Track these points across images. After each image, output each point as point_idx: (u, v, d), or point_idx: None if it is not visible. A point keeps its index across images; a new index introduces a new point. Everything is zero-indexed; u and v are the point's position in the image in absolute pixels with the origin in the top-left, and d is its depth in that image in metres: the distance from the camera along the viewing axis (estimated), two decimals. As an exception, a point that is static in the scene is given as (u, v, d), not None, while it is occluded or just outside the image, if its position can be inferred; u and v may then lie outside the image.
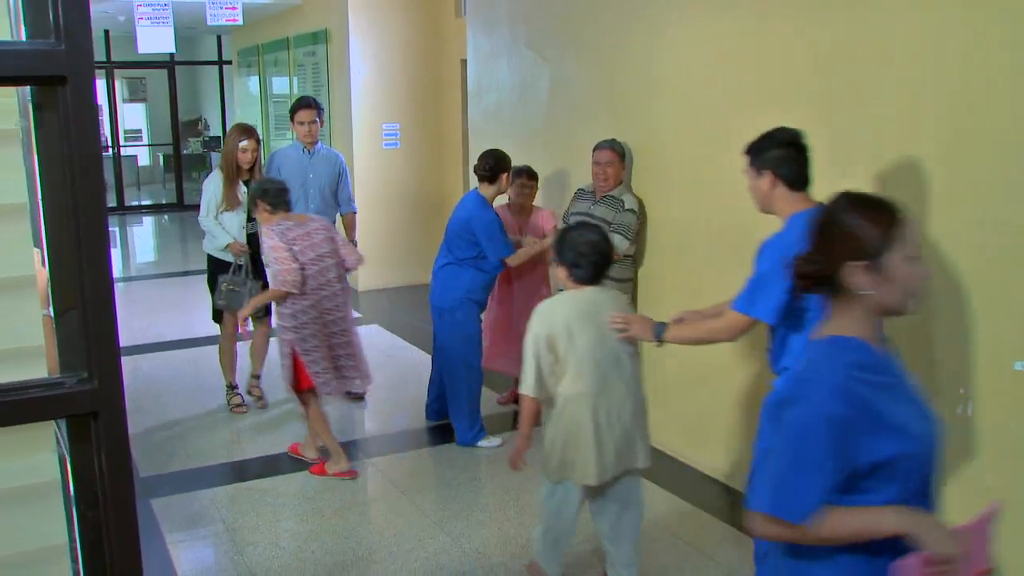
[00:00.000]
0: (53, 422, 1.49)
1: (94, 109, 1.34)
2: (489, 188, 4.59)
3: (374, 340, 6.69)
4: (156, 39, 8.03)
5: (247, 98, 12.44)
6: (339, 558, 3.65)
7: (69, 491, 1.55)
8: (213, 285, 5.26)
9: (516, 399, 5.22)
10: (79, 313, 1.40)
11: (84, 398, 1.41)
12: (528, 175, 4.93)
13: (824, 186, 3.54)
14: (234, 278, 5.10)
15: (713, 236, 4.36)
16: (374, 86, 8.69)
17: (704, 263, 4.44)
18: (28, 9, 1.34)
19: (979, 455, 3.27)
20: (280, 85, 10.82)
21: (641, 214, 4.61)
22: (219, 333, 5.52)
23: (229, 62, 14.12)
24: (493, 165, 4.56)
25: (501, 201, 4.93)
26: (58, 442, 1.62)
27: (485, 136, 6.34)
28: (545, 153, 5.62)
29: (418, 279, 8.53)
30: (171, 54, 13.83)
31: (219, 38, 15.32)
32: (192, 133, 18.28)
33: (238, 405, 5.39)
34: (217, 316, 5.40)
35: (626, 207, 4.51)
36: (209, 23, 8.58)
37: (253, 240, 5.10)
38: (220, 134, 15.85)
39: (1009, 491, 3.17)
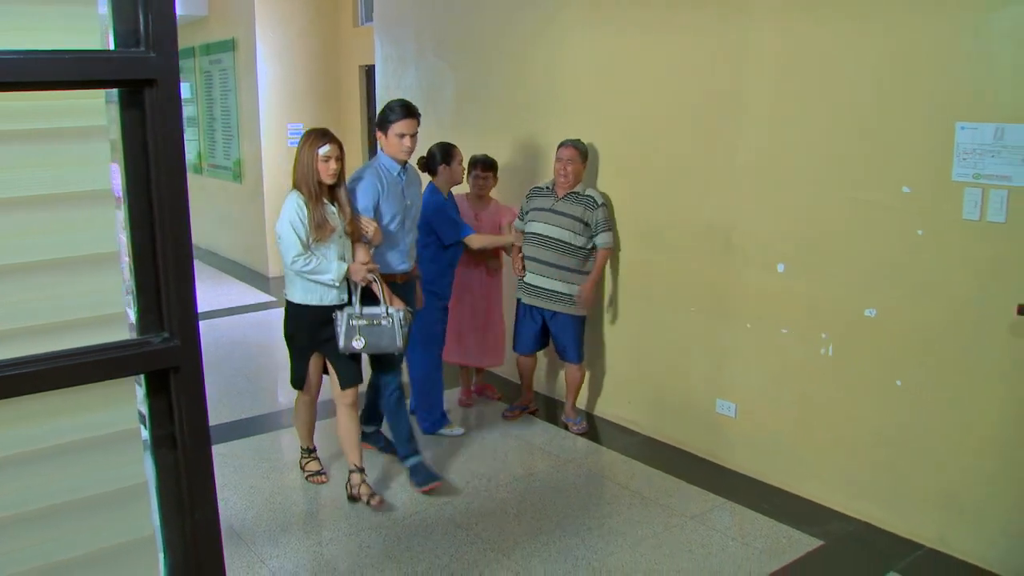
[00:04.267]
0: (135, 377, 1.70)
1: (179, 106, 1.57)
2: (437, 179, 4.71)
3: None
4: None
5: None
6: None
7: (147, 437, 1.76)
8: (311, 339, 3.95)
9: (482, 392, 5.47)
10: (163, 280, 1.63)
11: (168, 354, 1.64)
12: (484, 166, 4.98)
13: (704, 176, 4.08)
14: (366, 309, 3.83)
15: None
16: (279, 89, 9.17)
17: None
18: (117, 20, 1.56)
19: (840, 387, 3.89)
20: (184, 91, 10.99)
21: (610, 206, 4.85)
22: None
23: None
24: (427, 160, 4.72)
25: (464, 191, 5.12)
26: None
27: None
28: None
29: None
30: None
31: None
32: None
33: (317, 473, 4.30)
34: (300, 381, 4.09)
35: (599, 203, 4.69)
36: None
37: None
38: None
39: (863, 414, 3.83)
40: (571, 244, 4.66)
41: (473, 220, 4.98)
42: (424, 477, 4.14)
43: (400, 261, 4.22)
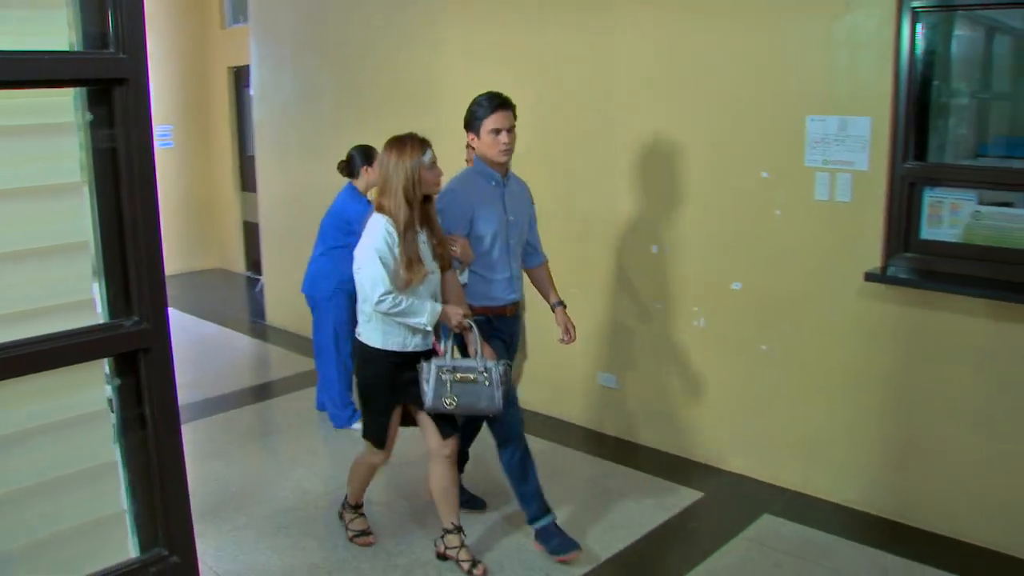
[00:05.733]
0: (104, 360, 1.80)
1: (148, 102, 1.68)
2: (357, 182, 4.74)
3: (175, 321, 6.90)
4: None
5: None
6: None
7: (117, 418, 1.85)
8: (394, 390, 3.30)
9: None
10: (134, 267, 1.74)
11: (139, 336, 1.75)
12: None
13: (581, 166, 4.42)
14: (459, 362, 3.22)
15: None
16: (147, 90, 8.96)
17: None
18: (85, 23, 1.65)
19: (711, 355, 4.29)
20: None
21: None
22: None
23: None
24: (347, 162, 4.76)
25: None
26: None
27: (271, 136, 6.82)
28: (332, 151, 6.04)
29: (189, 267, 9.24)
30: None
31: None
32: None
33: (363, 534, 3.64)
34: (380, 439, 3.38)
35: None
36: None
37: None
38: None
39: (733, 377, 4.23)
40: None
41: None
42: (560, 544, 3.46)
43: (506, 290, 3.52)
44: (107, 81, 1.65)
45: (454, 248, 3.33)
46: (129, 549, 1.90)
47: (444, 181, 3.34)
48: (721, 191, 4.11)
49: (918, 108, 3.53)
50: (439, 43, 5.35)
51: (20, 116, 1.63)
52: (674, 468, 4.31)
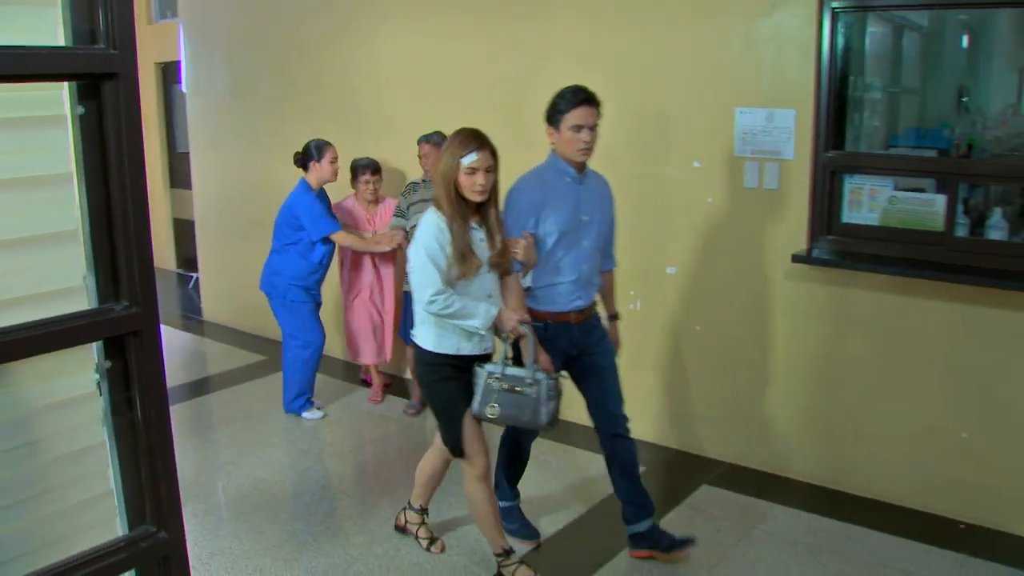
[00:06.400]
0: (93, 345, 1.87)
1: (138, 96, 1.76)
2: (308, 175, 4.76)
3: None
4: None
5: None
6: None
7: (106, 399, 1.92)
8: (455, 395, 3.15)
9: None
10: (124, 253, 1.82)
11: (130, 320, 1.83)
12: (372, 170, 4.98)
13: (516, 160, 4.60)
14: (509, 370, 3.07)
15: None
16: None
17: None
18: (75, 19, 1.72)
19: (648, 336, 4.50)
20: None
21: None
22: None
23: None
24: (301, 155, 4.77)
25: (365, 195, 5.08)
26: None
27: (206, 132, 6.80)
28: (269, 146, 6.15)
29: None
30: None
31: None
32: None
33: (434, 541, 3.55)
34: (457, 447, 3.19)
35: None
36: None
37: None
38: None
39: (670, 358, 4.48)
40: None
41: (367, 224, 5.00)
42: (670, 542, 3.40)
43: (569, 295, 3.28)
44: (98, 76, 1.72)
45: (515, 250, 3.14)
46: (117, 527, 1.98)
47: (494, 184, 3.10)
48: (656, 180, 4.32)
49: (838, 101, 3.79)
50: (376, 36, 5.42)
51: (13, 109, 1.70)
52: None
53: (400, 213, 4.83)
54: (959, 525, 3.66)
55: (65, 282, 1.82)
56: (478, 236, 3.04)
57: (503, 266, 3.09)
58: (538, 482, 4.07)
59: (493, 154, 3.00)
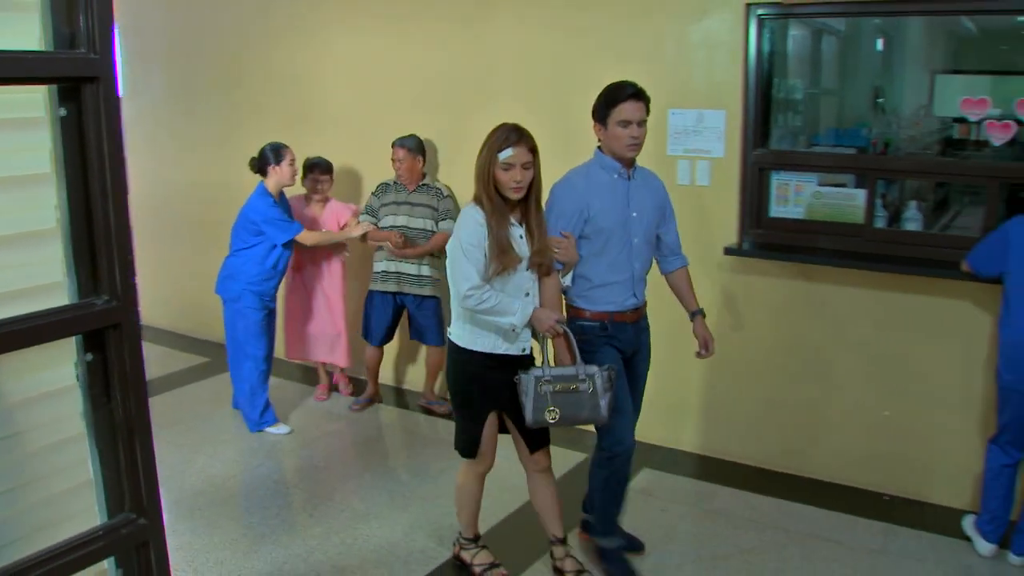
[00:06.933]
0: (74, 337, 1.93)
1: (118, 98, 1.84)
2: (267, 180, 4.69)
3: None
4: None
5: None
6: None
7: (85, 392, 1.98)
8: (485, 395, 3.13)
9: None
10: (104, 250, 1.89)
11: (111, 313, 1.90)
12: (322, 169, 4.99)
13: (460, 159, 4.76)
14: (556, 370, 2.99)
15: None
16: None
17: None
18: (56, 23, 1.79)
19: None
20: None
21: (453, 196, 5.02)
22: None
23: None
24: (258, 160, 4.71)
25: (320, 194, 5.08)
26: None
27: (142, 136, 6.70)
28: (208, 150, 6.15)
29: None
30: None
31: None
32: None
33: (493, 567, 3.40)
34: (470, 448, 3.21)
35: (445, 194, 4.80)
36: None
37: None
38: None
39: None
40: (429, 231, 4.77)
41: (313, 223, 4.98)
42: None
43: (625, 293, 3.23)
44: (79, 79, 1.80)
45: (556, 250, 3.07)
46: (96, 516, 2.04)
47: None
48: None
49: (764, 102, 4.03)
50: (318, 38, 5.47)
51: (-3, 111, 1.76)
52: (559, 434, 4.65)
53: (370, 211, 4.86)
54: (883, 496, 3.94)
55: (47, 278, 1.88)
56: (517, 233, 2.97)
57: (544, 265, 3.02)
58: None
59: (531, 150, 2.93)
